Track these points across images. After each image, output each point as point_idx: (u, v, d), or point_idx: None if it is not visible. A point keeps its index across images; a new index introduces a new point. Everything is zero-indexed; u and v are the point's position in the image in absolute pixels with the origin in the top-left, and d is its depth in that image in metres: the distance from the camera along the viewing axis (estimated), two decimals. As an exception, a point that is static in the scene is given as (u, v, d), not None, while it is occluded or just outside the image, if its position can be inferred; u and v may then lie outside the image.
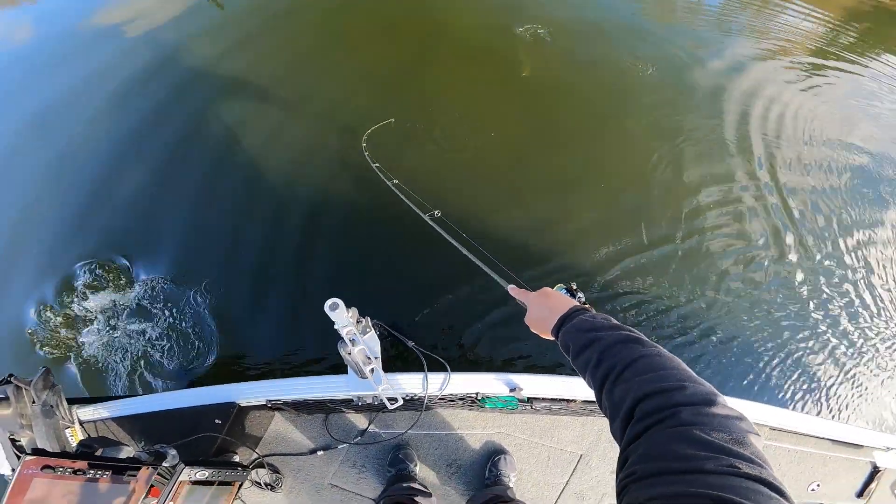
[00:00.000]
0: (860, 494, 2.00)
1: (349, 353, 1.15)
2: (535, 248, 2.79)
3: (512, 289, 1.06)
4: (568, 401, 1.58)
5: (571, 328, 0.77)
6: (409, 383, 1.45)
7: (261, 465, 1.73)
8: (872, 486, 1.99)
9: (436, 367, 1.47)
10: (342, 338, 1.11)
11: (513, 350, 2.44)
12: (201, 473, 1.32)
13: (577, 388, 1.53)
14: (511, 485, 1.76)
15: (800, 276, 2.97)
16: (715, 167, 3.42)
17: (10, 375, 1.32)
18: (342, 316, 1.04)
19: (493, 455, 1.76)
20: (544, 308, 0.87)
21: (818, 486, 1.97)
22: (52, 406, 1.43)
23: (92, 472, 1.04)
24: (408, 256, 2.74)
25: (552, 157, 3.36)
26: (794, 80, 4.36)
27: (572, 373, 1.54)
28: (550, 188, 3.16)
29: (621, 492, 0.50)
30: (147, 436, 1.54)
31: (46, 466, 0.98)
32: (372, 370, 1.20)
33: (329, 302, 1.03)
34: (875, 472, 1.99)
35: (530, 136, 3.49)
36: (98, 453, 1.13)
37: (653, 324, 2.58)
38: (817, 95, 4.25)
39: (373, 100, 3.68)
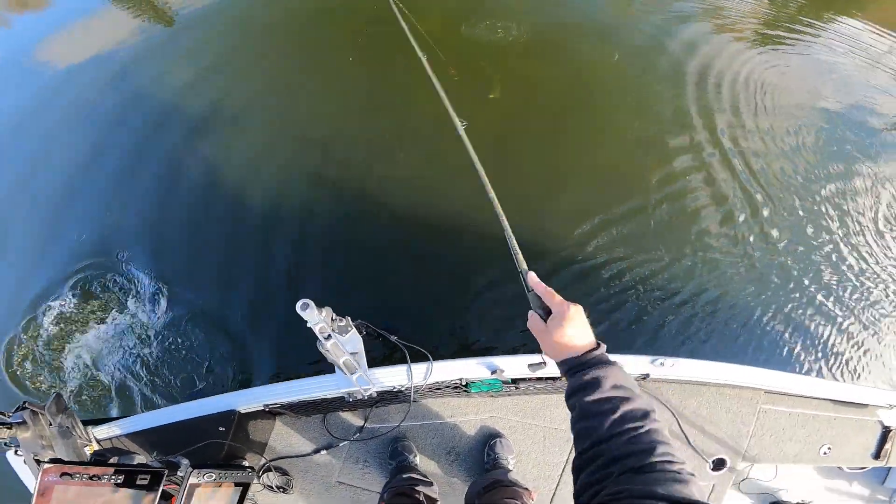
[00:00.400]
0: (877, 456, 2.03)
1: (328, 351, 1.29)
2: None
3: (534, 279, 0.91)
4: (553, 379, 1.69)
5: (598, 375, 0.77)
6: (395, 375, 1.58)
7: (269, 469, 1.90)
8: (888, 446, 2.01)
9: (420, 358, 1.60)
10: (317, 336, 1.25)
11: (493, 333, 2.60)
12: (209, 475, 1.49)
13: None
14: (511, 467, 1.89)
15: (777, 234, 3.12)
16: (682, 136, 3.57)
17: (25, 402, 1.50)
18: (313, 315, 1.18)
19: (488, 439, 1.89)
20: (579, 331, 0.83)
21: (829, 448, 2.02)
22: (68, 427, 1.61)
23: (107, 476, 1.21)
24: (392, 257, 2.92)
25: (525, 143, 3.52)
26: (750, 47, 4.46)
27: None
28: (524, 172, 3.32)
29: (597, 483, 0.65)
30: (159, 448, 1.71)
31: (65, 474, 1.15)
32: (352, 364, 1.34)
33: (300, 303, 1.17)
34: (887, 431, 2.01)
35: (500, 128, 3.64)
36: (112, 461, 1.30)
37: (642, 288, 2.71)
38: (776, 60, 4.36)
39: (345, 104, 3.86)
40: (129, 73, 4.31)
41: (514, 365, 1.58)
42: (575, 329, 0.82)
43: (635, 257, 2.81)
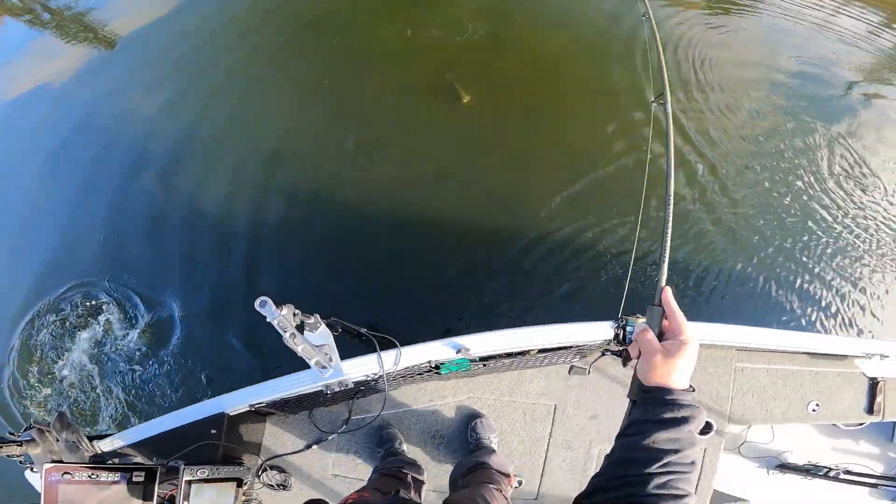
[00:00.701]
0: (870, 410, 2.04)
1: (292, 345, 1.45)
2: (486, 215, 3.09)
3: (669, 296, 0.88)
4: (522, 353, 1.81)
5: (687, 415, 0.80)
6: (367, 365, 1.73)
7: (266, 469, 2.07)
8: (879, 399, 2.01)
9: (388, 345, 1.75)
10: (279, 331, 1.41)
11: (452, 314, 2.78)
12: (201, 471, 1.66)
13: (524, 338, 1.74)
14: (494, 446, 2.01)
15: (729, 193, 3.29)
16: (629, 105, 3.72)
17: (32, 422, 1.70)
18: (271, 311, 1.33)
19: (469, 420, 2.02)
20: (688, 368, 0.83)
21: (818, 405, 2.05)
22: (74, 442, 1.81)
23: (106, 474, 1.39)
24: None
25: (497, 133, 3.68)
26: (698, 15, 4.61)
27: (513, 325, 1.77)
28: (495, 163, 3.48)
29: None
30: (159, 455, 1.89)
31: (66, 473, 1.33)
32: (311, 352, 1.49)
33: (258, 300, 1.32)
34: (874, 383, 2.02)
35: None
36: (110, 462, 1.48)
37: (598, 247, 2.86)
38: (722, 27, 4.53)
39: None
40: (76, 96, 4.59)
41: (478, 342, 1.71)
42: (687, 364, 0.82)
43: (599, 226, 2.98)
